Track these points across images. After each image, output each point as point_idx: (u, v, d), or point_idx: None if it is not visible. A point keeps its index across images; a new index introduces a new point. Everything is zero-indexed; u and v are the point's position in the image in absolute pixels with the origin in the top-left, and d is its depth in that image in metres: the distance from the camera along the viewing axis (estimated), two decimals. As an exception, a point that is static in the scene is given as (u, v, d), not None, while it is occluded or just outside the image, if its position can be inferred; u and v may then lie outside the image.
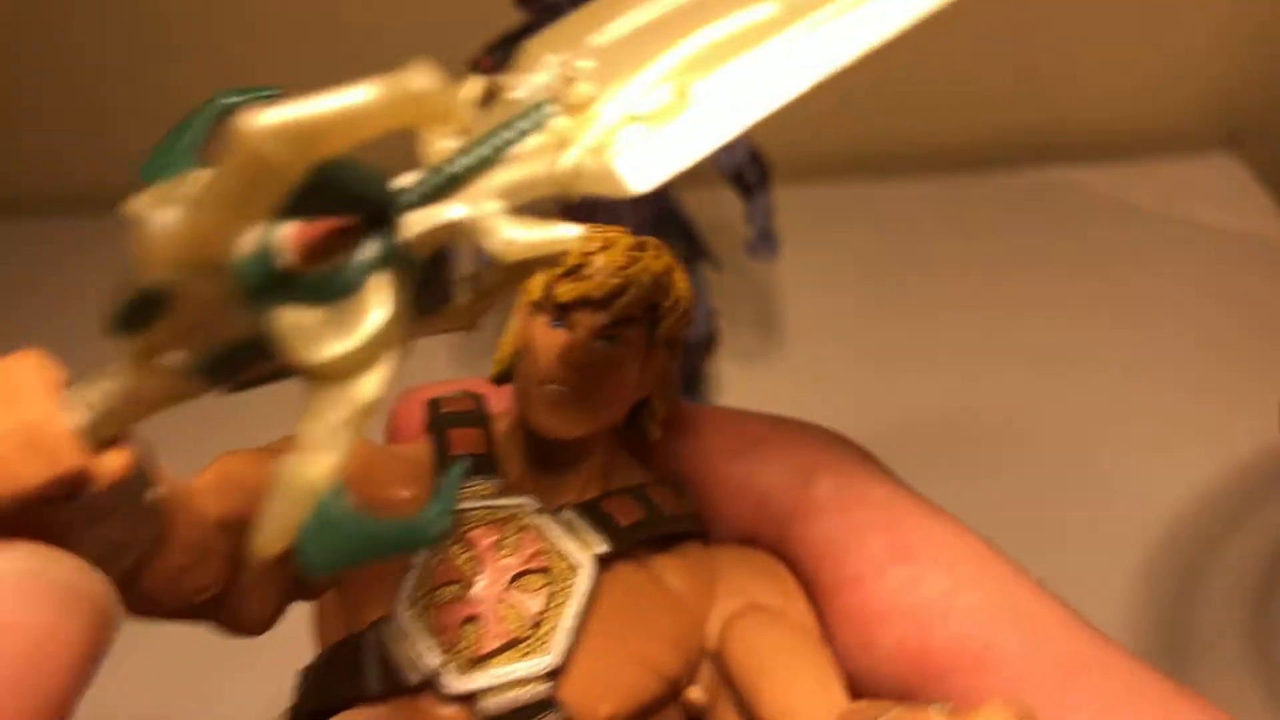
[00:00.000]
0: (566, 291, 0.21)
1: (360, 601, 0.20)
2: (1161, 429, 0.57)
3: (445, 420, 0.23)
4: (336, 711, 0.19)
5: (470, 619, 0.19)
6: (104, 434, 0.16)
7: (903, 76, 0.77)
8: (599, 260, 0.21)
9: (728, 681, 0.21)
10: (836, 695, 0.20)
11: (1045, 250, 0.71)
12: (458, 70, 0.53)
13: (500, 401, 0.23)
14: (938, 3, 0.16)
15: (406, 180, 0.15)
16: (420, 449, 0.22)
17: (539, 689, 0.19)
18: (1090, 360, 0.62)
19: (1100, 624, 0.46)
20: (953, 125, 0.80)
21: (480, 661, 0.19)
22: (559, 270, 0.21)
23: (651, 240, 0.22)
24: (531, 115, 0.16)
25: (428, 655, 0.19)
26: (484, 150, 0.15)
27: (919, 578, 0.21)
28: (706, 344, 0.53)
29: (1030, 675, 0.19)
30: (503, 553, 0.20)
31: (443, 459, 0.22)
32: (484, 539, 0.20)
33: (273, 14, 0.74)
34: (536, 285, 0.22)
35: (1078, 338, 0.63)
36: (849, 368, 0.62)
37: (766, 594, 0.22)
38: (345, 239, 0.14)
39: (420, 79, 0.14)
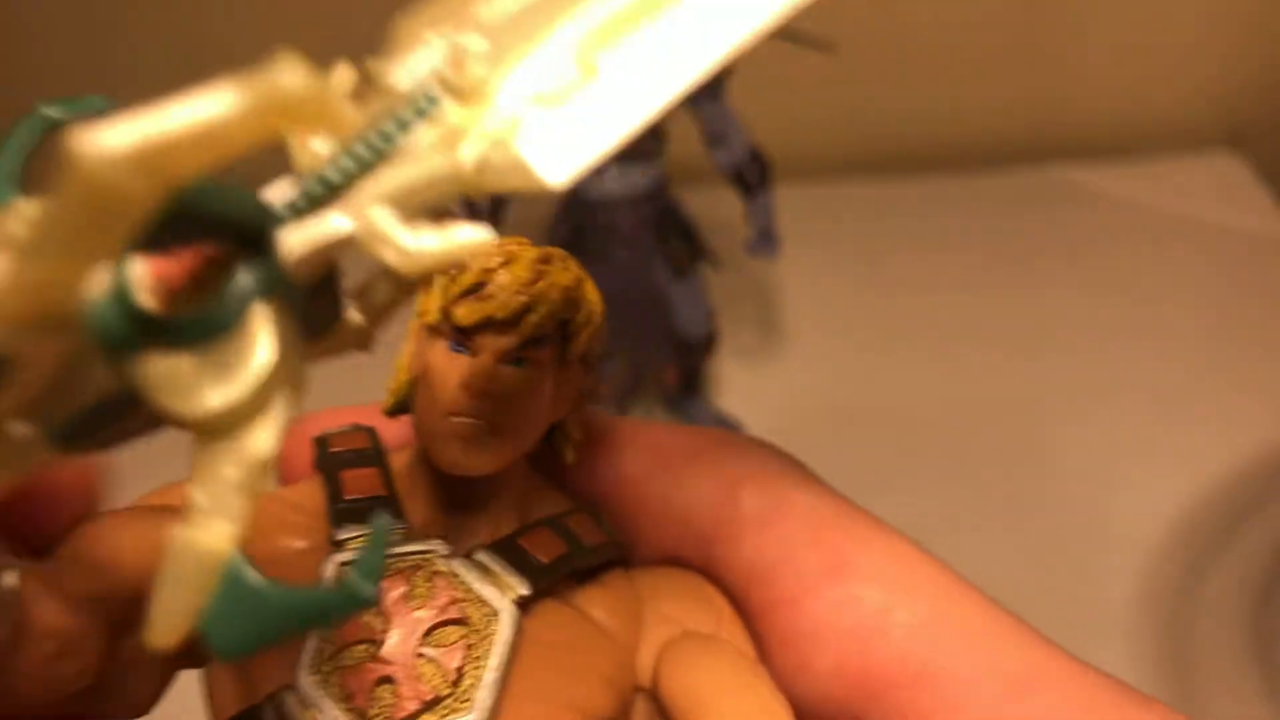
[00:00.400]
0: (468, 314, 0.19)
1: (256, 668, 0.18)
2: (1163, 425, 0.57)
3: (335, 461, 0.20)
4: None
5: (384, 680, 0.18)
6: None
7: (904, 77, 0.77)
8: (502, 277, 0.19)
9: (665, 717, 0.20)
10: None
11: (1047, 249, 0.71)
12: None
13: (395, 433, 0.21)
14: None
15: (279, 192, 0.13)
16: (309, 492, 0.20)
17: None
18: (1093, 360, 0.62)
19: (1101, 622, 0.46)
20: (955, 125, 0.80)
21: None
22: (456, 289, 0.19)
23: (557, 251, 0.20)
24: (417, 104, 0.13)
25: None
26: (365, 149, 0.13)
27: (854, 595, 0.20)
28: (706, 343, 0.53)
29: (977, 690, 0.18)
30: (414, 604, 0.18)
31: (336, 504, 0.20)
32: (392, 590, 0.18)
33: (264, 10, 0.74)
34: (432, 307, 0.19)
35: (1080, 336, 0.63)
36: (849, 367, 0.62)
37: (697, 619, 0.21)
38: (217, 267, 0.12)
39: (289, 76, 0.11)
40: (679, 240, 0.50)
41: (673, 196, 0.50)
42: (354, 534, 0.19)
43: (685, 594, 0.21)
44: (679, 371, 0.54)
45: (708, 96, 0.48)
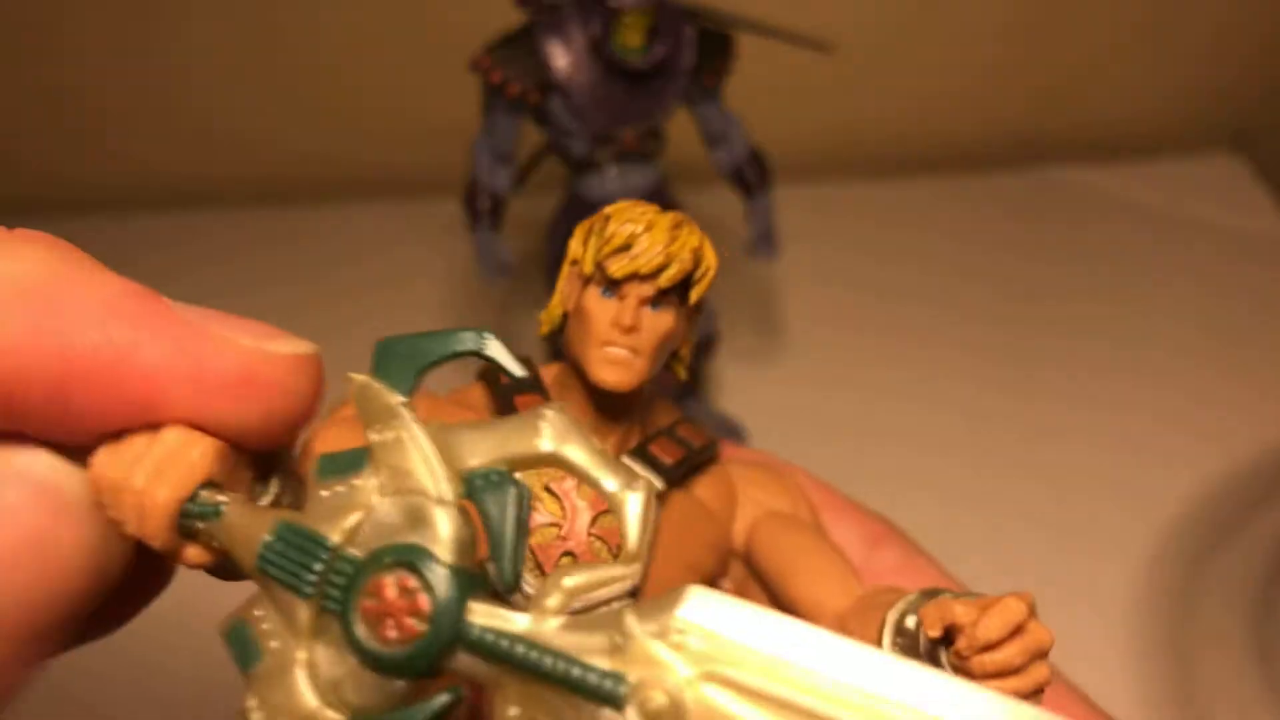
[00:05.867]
0: (619, 269, 0.25)
1: None
2: (1163, 425, 0.57)
3: (508, 390, 0.26)
4: None
5: (566, 554, 0.24)
6: (201, 536, 0.18)
7: (904, 77, 0.77)
8: (645, 240, 0.25)
9: (757, 577, 0.26)
10: (853, 584, 0.25)
11: (1048, 250, 0.71)
12: (460, 70, 0.52)
13: (548, 372, 0.28)
14: None
15: (481, 618, 0.17)
16: (477, 394, 0.27)
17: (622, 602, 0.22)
18: (1093, 360, 0.62)
19: (1105, 617, 0.46)
20: (956, 125, 0.81)
21: None
22: (609, 249, 0.25)
23: (684, 216, 0.25)
24: (605, 681, 0.16)
25: (529, 586, 0.23)
26: (548, 661, 0.16)
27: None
28: (707, 344, 0.54)
29: None
30: (581, 496, 0.25)
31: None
32: (567, 486, 0.25)
33: (281, 15, 0.74)
34: (587, 259, 0.25)
35: (1080, 335, 0.64)
36: (849, 368, 0.63)
37: (779, 502, 0.28)
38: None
39: None
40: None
41: (673, 197, 0.50)
42: None
43: (769, 482, 0.28)
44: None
45: (707, 97, 0.48)
